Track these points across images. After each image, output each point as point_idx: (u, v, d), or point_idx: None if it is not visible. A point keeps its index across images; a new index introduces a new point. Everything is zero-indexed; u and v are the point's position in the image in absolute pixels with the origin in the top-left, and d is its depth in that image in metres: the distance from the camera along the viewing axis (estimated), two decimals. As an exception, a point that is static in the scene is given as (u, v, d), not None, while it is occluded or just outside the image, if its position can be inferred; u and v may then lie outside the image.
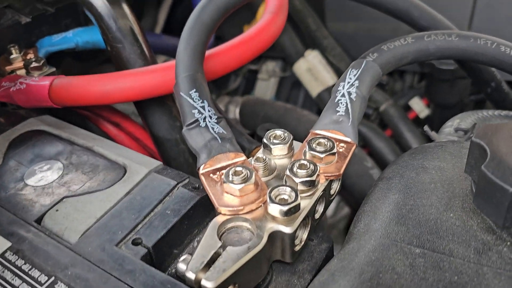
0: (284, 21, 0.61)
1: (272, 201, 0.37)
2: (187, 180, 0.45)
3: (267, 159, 0.42)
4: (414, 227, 0.34)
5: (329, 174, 0.41)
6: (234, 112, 0.94)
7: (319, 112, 0.96)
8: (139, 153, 0.48)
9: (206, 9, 0.49)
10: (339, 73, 0.98)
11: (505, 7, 0.87)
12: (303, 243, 0.40)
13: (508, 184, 0.30)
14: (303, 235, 0.40)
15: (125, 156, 0.47)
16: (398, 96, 1.02)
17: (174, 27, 1.11)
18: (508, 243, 0.32)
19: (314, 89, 0.98)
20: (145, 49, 0.56)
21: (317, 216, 0.41)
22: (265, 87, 1.21)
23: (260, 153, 0.45)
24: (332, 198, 0.44)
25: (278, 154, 0.44)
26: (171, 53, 0.68)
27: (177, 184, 0.44)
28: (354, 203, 0.77)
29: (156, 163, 0.47)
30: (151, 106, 0.55)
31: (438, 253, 0.32)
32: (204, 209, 0.43)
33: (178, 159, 0.59)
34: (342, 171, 0.41)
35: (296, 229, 0.37)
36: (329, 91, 0.96)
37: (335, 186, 0.44)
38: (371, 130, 0.89)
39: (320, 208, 0.42)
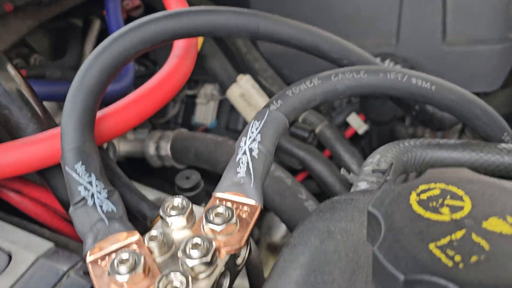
0: (192, 64, 0.57)
1: (160, 294, 0.33)
2: (79, 264, 0.41)
3: (162, 236, 0.38)
4: (312, 312, 0.31)
5: (230, 248, 0.37)
6: (166, 148, 0.89)
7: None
8: (28, 232, 0.44)
9: (90, 71, 0.45)
10: (272, 96, 0.95)
11: (429, 18, 0.85)
12: (205, 328, 0.36)
13: (400, 270, 0.27)
14: (205, 319, 0.36)
15: (10, 240, 0.42)
16: (337, 113, 1.00)
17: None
18: (411, 325, 0.29)
19: (249, 115, 0.95)
20: (37, 110, 0.51)
21: (221, 293, 0.38)
22: (205, 111, 1.17)
23: (158, 226, 0.41)
24: (241, 266, 0.41)
25: (177, 227, 0.40)
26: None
27: (68, 270, 0.40)
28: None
29: (47, 245, 0.42)
30: (50, 169, 0.50)
31: None
32: (98, 298, 0.39)
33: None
34: (243, 242, 0.38)
35: (192, 319, 0.34)
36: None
37: (243, 254, 0.41)
38: (309, 153, 0.87)
39: (226, 283, 0.39)
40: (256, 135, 0.43)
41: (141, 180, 0.84)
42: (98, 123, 0.47)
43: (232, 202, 0.41)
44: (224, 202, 0.41)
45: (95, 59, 0.45)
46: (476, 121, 0.54)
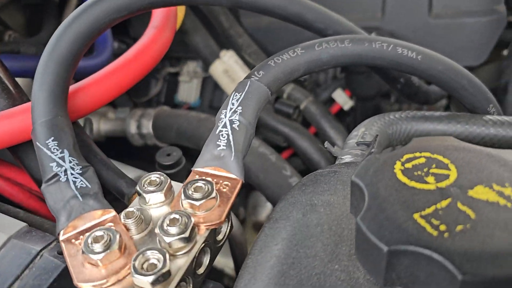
0: (171, 35, 0.55)
1: (136, 271, 0.32)
2: (54, 244, 0.39)
3: (139, 212, 0.37)
4: (294, 287, 0.30)
5: (209, 224, 0.36)
6: (147, 126, 0.87)
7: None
8: (0, 213, 0.42)
9: (62, 40, 0.42)
10: (256, 72, 0.93)
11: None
12: (184, 306, 0.35)
13: (384, 241, 0.26)
14: (184, 297, 0.35)
15: (-18, 221, 0.41)
16: (322, 89, 0.98)
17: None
18: (395, 297, 0.29)
19: (233, 92, 0.93)
20: (8, 85, 0.48)
21: (201, 270, 0.37)
22: (188, 89, 1.15)
23: (135, 203, 0.40)
24: (222, 243, 0.40)
25: (155, 203, 0.39)
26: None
27: (41, 250, 0.38)
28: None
29: (19, 225, 0.40)
30: (23, 146, 0.48)
31: (318, 319, 0.28)
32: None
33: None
34: (224, 217, 0.36)
35: (170, 297, 0.32)
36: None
37: (224, 230, 0.40)
38: (294, 130, 0.85)
39: (206, 260, 0.38)
40: (237, 107, 0.42)
41: (124, 160, 0.82)
42: (71, 97, 0.45)
43: (212, 176, 0.39)
44: (204, 176, 0.39)
45: (66, 28, 0.43)
46: (463, 92, 0.53)
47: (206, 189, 0.37)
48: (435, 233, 0.25)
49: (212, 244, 0.37)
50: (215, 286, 0.39)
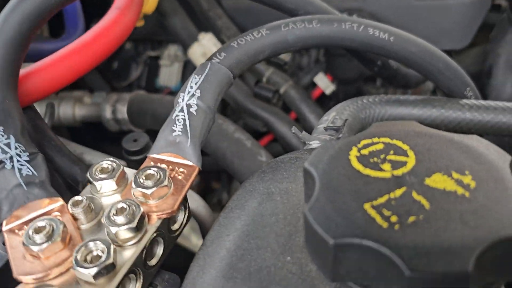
0: (135, 17, 0.53)
1: (77, 264, 0.30)
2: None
3: (87, 201, 0.35)
4: (242, 281, 0.28)
5: (161, 213, 0.34)
6: (122, 111, 0.85)
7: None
8: None
9: (9, 20, 0.40)
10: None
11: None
12: (134, 299, 0.33)
13: (330, 234, 0.24)
14: (134, 290, 0.33)
15: None
16: (304, 72, 0.96)
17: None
18: (347, 292, 0.27)
19: (212, 75, 0.90)
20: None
21: (153, 261, 0.35)
22: (169, 73, 1.12)
23: (86, 191, 0.38)
24: (178, 233, 0.38)
25: (106, 191, 0.37)
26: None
27: (-14, 241, 0.36)
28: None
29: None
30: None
31: (265, 315, 0.26)
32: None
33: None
34: (176, 206, 0.34)
35: (115, 291, 0.31)
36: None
37: (180, 219, 0.38)
38: (273, 115, 0.83)
39: (159, 250, 0.36)
40: (196, 90, 0.40)
41: (105, 146, 0.80)
42: (23, 80, 0.43)
43: (168, 163, 0.37)
44: (158, 163, 0.37)
45: (12, 9, 0.40)
46: (438, 75, 0.51)
47: (158, 176, 0.35)
48: (385, 224, 0.24)
49: (166, 234, 0.35)
50: (171, 277, 0.37)
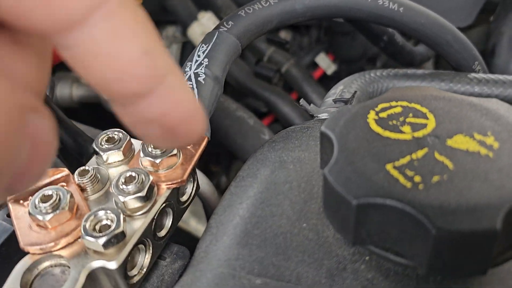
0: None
1: (86, 233, 0.29)
2: (3, 206, 0.36)
3: (93, 171, 0.34)
4: (258, 247, 0.28)
5: (170, 183, 0.33)
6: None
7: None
8: None
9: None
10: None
11: None
12: (145, 269, 0.32)
13: (352, 194, 0.23)
14: (144, 261, 0.33)
15: None
16: (305, 52, 0.95)
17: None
18: (367, 257, 0.26)
19: (212, 55, 0.89)
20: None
21: (163, 232, 0.34)
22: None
23: (92, 162, 0.37)
24: (187, 204, 0.37)
25: (113, 161, 0.36)
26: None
27: (-10, 213, 0.35)
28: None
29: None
30: None
31: (283, 281, 0.26)
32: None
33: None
34: (186, 176, 0.34)
35: (125, 260, 0.30)
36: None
37: (189, 190, 0.37)
38: (275, 94, 0.82)
39: (168, 222, 0.35)
40: (203, 59, 0.39)
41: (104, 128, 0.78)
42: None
43: (175, 134, 0.36)
44: (166, 134, 0.36)
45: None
46: (447, 48, 0.50)
47: (168, 146, 0.34)
48: (408, 184, 0.23)
49: (175, 205, 0.35)
50: (180, 249, 0.36)
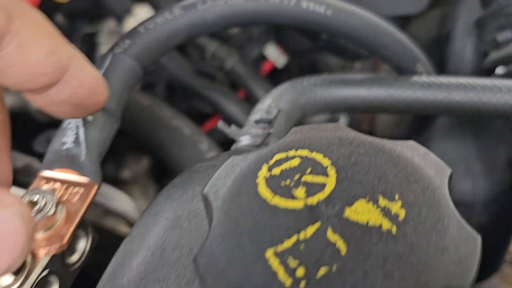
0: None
1: None
2: None
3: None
4: None
5: (48, 248, 0.28)
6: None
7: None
8: None
9: None
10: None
11: None
12: None
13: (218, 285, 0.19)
14: None
15: None
16: (253, 44, 0.89)
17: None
18: None
19: (152, 53, 0.83)
20: None
21: (46, 304, 0.29)
22: (112, 50, 1.03)
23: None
24: (79, 265, 0.32)
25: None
26: None
27: None
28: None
29: None
30: None
31: None
32: None
33: None
34: (67, 239, 0.29)
35: None
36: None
37: (80, 248, 0.32)
38: (220, 94, 0.77)
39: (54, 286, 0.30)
40: (92, 91, 0.33)
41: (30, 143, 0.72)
42: None
43: (62, 182, 0.31)
44: (51, 182, 0.31)
45: None
46: (385, 51, 0.45)
47: (43, 203, 0.29)
48: (288, 282, 0.18)
49: (60, 270, 0.30)
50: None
